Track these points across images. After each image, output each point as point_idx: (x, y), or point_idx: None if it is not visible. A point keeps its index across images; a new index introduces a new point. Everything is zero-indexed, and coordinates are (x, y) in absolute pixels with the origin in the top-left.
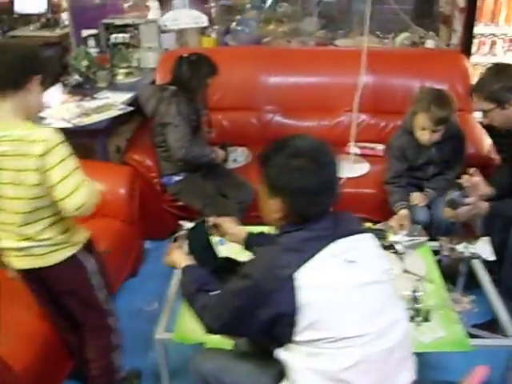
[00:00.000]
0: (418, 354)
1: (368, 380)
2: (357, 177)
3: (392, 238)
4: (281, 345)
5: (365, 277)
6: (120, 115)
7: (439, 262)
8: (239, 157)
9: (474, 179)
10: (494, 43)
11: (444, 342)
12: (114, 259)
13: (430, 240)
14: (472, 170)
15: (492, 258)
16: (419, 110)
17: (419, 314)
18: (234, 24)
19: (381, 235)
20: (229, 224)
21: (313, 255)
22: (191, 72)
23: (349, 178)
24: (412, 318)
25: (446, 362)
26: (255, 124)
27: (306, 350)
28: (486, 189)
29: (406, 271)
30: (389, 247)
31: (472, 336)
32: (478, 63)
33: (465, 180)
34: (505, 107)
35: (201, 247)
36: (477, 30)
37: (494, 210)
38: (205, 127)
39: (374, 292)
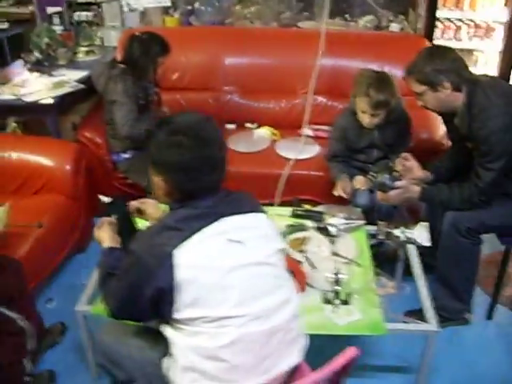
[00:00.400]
0: (351, 338)
1: (246, 359)
2: (306, 159)
3: (328, 220)
4: (166, 322)
5: (249, 257)
6: (74, 92)
7: (376, 246)
8: None
9: (407, 163)
10: (459, 28)
11: (359, 325)
12: (55, 234)
13: (371, 224)
14: (405, 155)
15: (427, 243)
16: (358, 93)
17: (338, 297)
18: (197, 4)
19: (318, 217)
20: (151, 209)
21: (193, 233)
22: (141, 50)
23: (298, 160)
24: (330, 301)
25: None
26: (213, 104)
27: (186, 328)
28: (420, 173)
29: (334, 254)
30: (322, 229)
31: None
32: None
33: (397, 163)
34: (437, 90)
35: (119, 221)
36: (442, 14)
37: (425, 194)
38: (155, 106)
39: (258, 273)
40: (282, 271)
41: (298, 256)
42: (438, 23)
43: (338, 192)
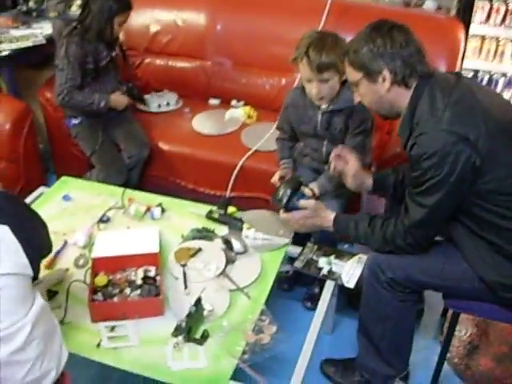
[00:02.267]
0: None
1: None
2: (268, 151)
3: (245, 231)
4: None
5: None
6: (36, 47)
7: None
8: (167, 100)
9: (342, 153)
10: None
11: (195, 377)
12: None
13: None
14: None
15: (351, 285)
16: (298, 57)
17: (189, 333)
18: None
19: (236, 226)
20: None
21: None
22: (96, 8)
23: (258, 151)
24: (176, 335)
25: None
26: (201, 75)
27: None
28: (356, 167)
29: (224, 275)
30: (227, 242)
31: None
32: (484, 35)
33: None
34: (375, 79)
35: None
36: None
37: (338, 223)
38: (117, 69)
39: None
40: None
41: (176, 270)
42: (483, 3)
43: (273, 180)
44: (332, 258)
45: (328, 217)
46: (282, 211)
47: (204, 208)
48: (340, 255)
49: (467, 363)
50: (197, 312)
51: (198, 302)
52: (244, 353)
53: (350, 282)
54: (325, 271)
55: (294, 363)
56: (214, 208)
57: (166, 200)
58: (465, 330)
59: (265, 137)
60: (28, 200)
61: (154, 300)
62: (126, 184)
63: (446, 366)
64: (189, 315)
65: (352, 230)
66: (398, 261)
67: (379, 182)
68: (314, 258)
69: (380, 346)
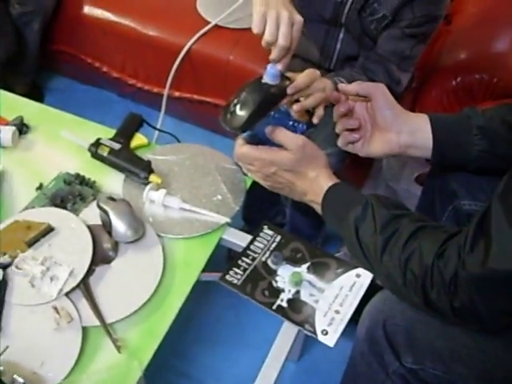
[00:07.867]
0: None
1: None
2: (236, 29)
3: (148, 191)
4: None
5: None
6: None
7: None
8: None
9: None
10: None
11: None
12: None
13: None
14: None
15: (330, 342)
16: None
17: None
18: None
19: (139, 177)
20: None
21: None
22: None
23: (219, 27)
24: None
25: None
26: None
27: None
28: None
29: (81, 290)
30: (105, 218)
31: None
32: None
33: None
34: None
35: None
36: None
37: (331, 200)
38: None
39: None
40: None
41: None
42: None
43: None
44: (305, 268)
45: (320, 180)
46: (239, 141)
47: (94, 131)
48: (322, 265)
49: None
50: None
51: None
52: None
53: (330, 336)
54: (284, 299)
55: None
56: (105, 138)
57: (36, 110)
58: None
59: (234, 5)
60: None
61: None
62: (18, 58)
63: None
64: None
65: (351, 221)
66: (430, 335)
67: (448, 139)
68: (270, 263)
69: None
